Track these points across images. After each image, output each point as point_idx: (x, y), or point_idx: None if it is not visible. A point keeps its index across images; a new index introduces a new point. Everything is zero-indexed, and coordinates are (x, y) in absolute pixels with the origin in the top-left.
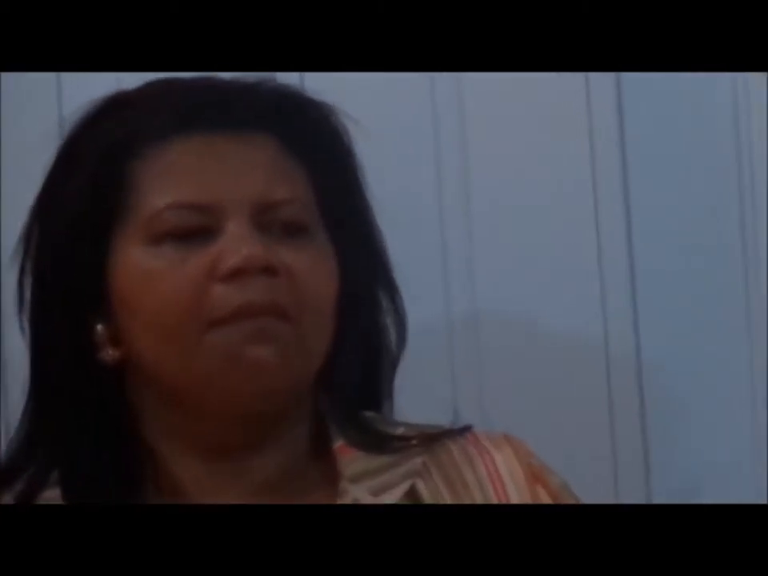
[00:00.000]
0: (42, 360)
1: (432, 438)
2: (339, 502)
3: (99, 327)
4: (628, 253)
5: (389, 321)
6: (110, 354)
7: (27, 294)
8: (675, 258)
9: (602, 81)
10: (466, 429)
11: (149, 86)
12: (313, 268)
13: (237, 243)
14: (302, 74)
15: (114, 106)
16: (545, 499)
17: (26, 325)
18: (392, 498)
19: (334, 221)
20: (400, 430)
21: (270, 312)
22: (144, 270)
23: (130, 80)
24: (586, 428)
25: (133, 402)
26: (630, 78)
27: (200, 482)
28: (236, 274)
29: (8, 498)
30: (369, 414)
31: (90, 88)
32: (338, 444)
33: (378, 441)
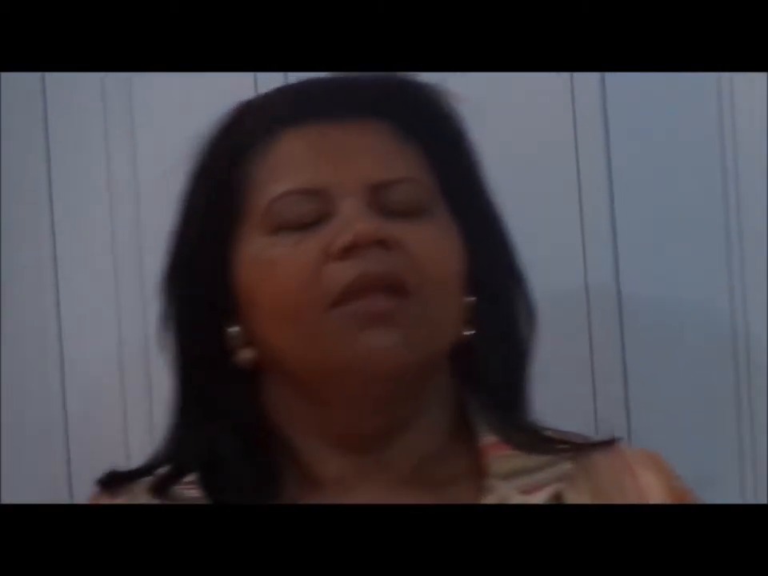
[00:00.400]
0: (183, 369)
1: (582, 447)
2: (485, 498)
3: (232, 330)
4: (613, 255)
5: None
6: (244, 355)
7: (168, 311)
8: (659, 261)
9: (587, 81)
10: (612, 441)
11: (265, 93)
12: (432, 244)
13: (349, 221)
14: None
15: (234, 116)
16: None
17: (168, 339)
18: (539, 498)
19: (457, 202)
20: (548, 433)
21: (386, 285)
22: (264, 260)
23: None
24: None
25: (270, 403)
26: (614, 78)
27: (342, 477)
28: (349, 250)
29: (140, 490)
30: (516, 413)
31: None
32: (488, 441)
33: (530, 441)
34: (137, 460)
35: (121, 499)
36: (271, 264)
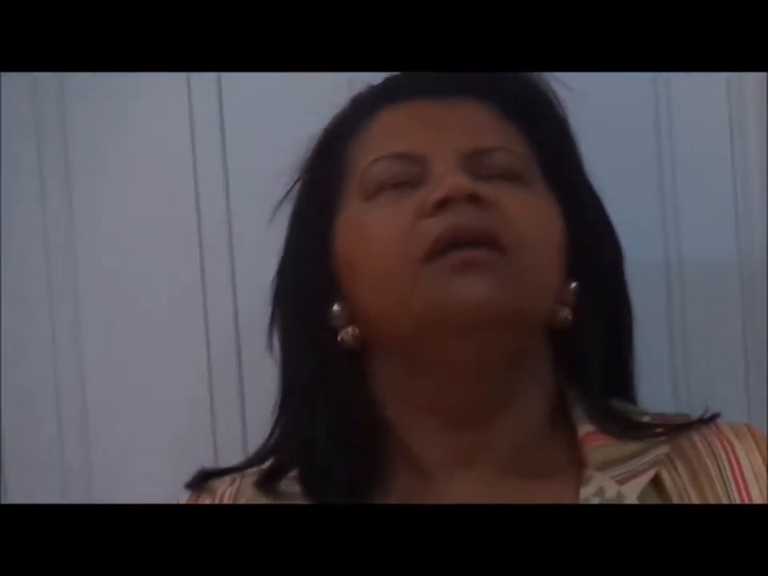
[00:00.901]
0: (288, 357)
1: (678, 429)
2: (583, 488)
3: (335, 308)
4: None
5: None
6: (349, 333)
7: (277, 299)
8: None
9: None
10: (713, 418)
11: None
12: (528, 208)
13: (443, 179)
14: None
15: (346, 105)
16: None
17: (275, 329)
18: (636, 487)
19: (556, 181)
20: (646, 418)
21: (479, 238)
22: (360, 224)
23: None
24: None
25: (374, 385)
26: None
27: (446, 459)
28: (442, 205)
29: (246, 485)
30: (615, 400)
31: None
32: (585, 430)
33: (627, 428)
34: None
35: (218, 497)
36: (367, 228)
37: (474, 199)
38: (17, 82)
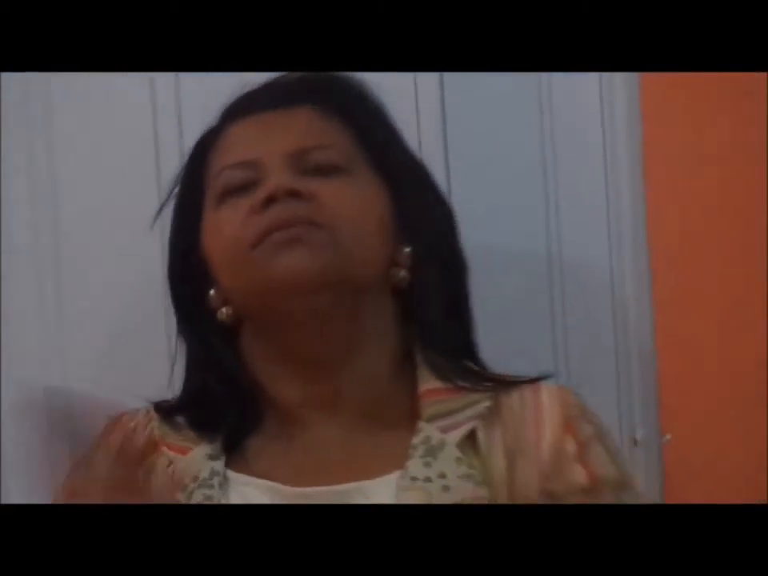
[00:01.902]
0: (185, 330)
1: (505, 384)
2: (414, 437)
3: (211, 293)
4: None
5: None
6: (224, 313)
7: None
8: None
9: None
10: (538, 380)
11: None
12: (346, 193)
13: (270, 180)
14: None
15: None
16: (569, 447)
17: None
18: (456, 436)
19: (381, 164)
20: (487, 375)
21: (297, 222)
22: (214, 224)
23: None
24: None
25: (246, 351)
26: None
27: (305, 403)
28: (267, 203)
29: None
30: (462, 360)
31: None
32: (426, 387)
33: (464, 382)
34: None
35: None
36: (218, 227)
37: (292, 194)
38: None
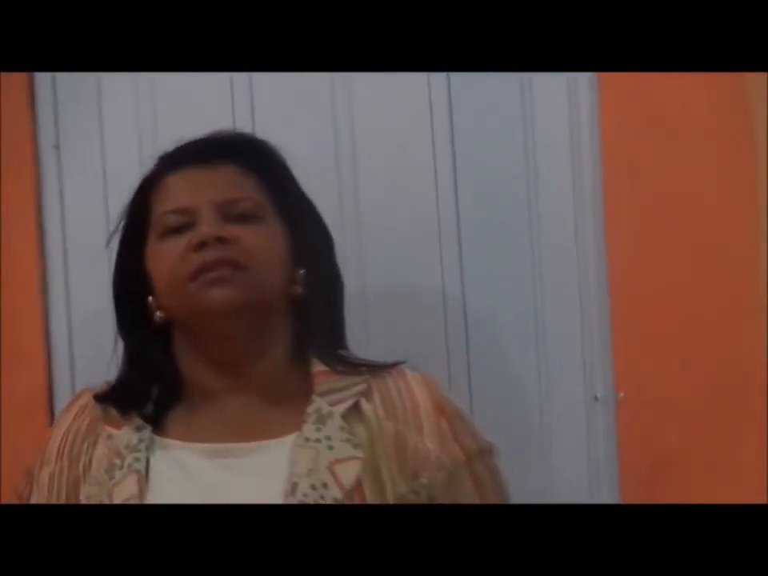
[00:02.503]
0: (123, 328)
1: (375, 368)
2: (308, 408)
3: (149, 299)
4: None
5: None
6: (157, 315)
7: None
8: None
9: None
10: (399, 363)
11: (164, 152)
12: (260, 238)
13: (200, 227)
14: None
15: (150, 168)
16: (443, 426)
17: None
18: (341, 408)
19: (284, 212)
20: (357, 361)
21: (224, 264)
22: (156, 254)
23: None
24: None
25: (176, 348)
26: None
27: (220, 390)
28: (200, 246)
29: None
30: (340, 350)
31: None
32: (316, 369)
33: (343, 367)
34: None
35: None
36: (160, 257)
37: (219, 240)
38: None
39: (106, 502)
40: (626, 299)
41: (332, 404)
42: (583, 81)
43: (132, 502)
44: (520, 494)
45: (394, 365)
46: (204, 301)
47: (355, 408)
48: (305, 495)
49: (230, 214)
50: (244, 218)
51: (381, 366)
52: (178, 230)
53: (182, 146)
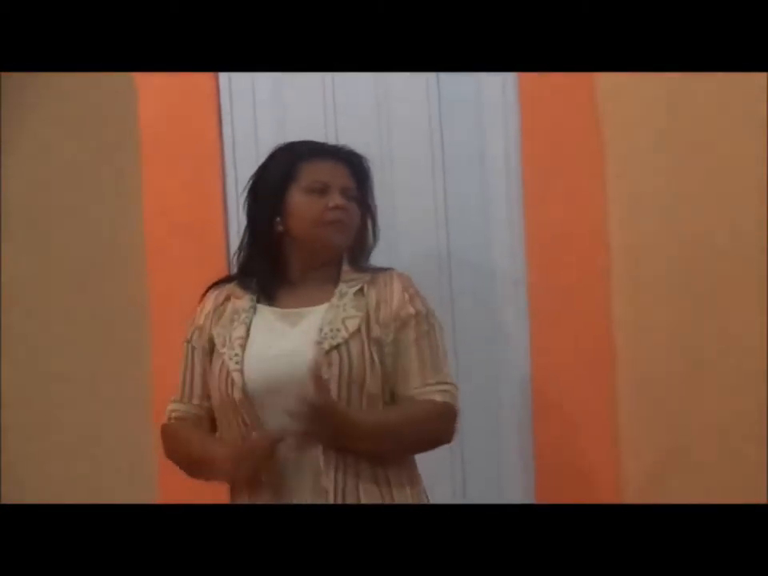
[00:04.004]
0: (252, 234)
1: (377, 270)
2: (336, 289)
3: (277, 219)
4: None
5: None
6: (279, 227)
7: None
8: None
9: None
10: (390, 269)
11: (290, 144)
12: (356, 212)
13: (333, 198)
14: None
15: (279, 152)
16: (405, 298)
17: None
18: (354, 289)
19: (365, 203)
20: (367, 266)
21: (341, 222)
22: (302, 200)
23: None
24: None
25: (285, 251)
26: None
27: (296, 278)
28: (334, 208)
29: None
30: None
31: None
32: (344, 268)
33: (359, 268)
34: None
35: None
36: (305, 202)
37: (341, 207)
38: None
39: (227, 339)
40: (544, 295)
41: (349, 287)
42: (495, 81)
43: (239, 342)
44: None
45: (388, 269)
46: (330, 237)
47: (361, 290)
48: (326, 333)
49: (345, 193)
50: (350, 198)
51: (379, 269)
52: (317, 192)
53: (311, 144)
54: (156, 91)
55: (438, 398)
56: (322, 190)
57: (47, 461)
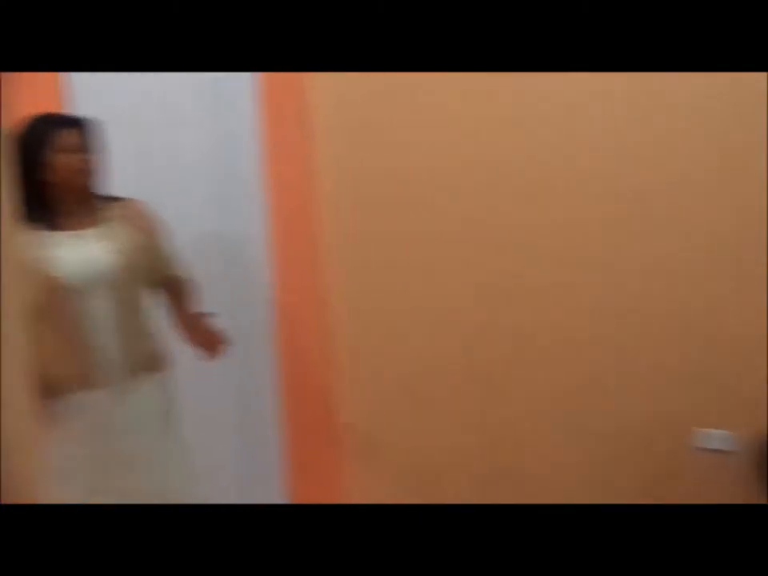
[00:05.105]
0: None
1: (118, 200)
2: (98, 215)
3: (41, 175)
4: None
5: None
6: (49, 178)
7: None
8: None
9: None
10: (133, 199)
11: (45, 115)
12: (93, 159)
13: (80, 154)
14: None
15: (37, 121)
16: (145, 222)
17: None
18: (111, 213)
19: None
20: (115, 196)
21: (86, 170)
22: (59, 158)
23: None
24: None
25: (52, 192)
26: None
27: (66, 209)
28: (80, 162)
29: None
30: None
31: None
32: (96, 201)
33: (107, 199)
34: None
35: None
36: (60, 160)
37: (85, 160)
38: None
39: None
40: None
41: (106, 212)
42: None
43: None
44: None
45: (127, 198)
46: (83, 181)
47: (118, 213)
48: (116, 244)
49: (86, 150)
50: (90, 153)
51: (120, 198)
52: (68, 151)
53: (57, 116)
54: None
55: (182, 274)
56: (71, 149)
57: None
